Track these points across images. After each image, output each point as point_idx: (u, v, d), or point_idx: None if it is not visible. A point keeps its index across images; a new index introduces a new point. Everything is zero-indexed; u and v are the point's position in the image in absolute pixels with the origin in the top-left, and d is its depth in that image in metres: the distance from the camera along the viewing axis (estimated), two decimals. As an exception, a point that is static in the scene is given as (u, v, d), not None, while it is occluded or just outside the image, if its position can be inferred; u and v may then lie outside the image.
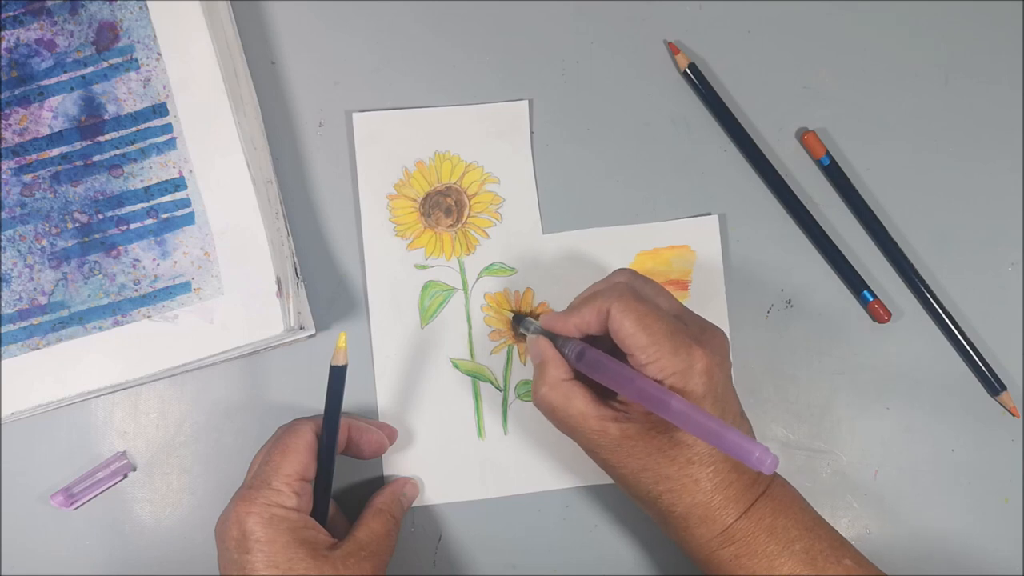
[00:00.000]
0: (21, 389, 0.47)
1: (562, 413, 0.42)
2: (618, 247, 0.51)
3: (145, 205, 0.48)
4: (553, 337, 0.44)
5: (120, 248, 0.48)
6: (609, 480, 0.49)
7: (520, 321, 0.49)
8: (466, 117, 0.51)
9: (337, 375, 0.43)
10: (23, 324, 0.48)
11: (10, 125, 0.48)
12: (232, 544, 0.40)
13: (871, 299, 0.51)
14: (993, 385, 0.51)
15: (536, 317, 0.49)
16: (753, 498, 0.41)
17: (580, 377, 0.43)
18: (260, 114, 0.50)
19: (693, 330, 0.42)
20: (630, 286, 0.43)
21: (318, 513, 0.43)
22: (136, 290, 0.48)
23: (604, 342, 0.43)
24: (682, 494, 0.41)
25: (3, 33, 0.48)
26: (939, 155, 0.53)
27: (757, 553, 0.41)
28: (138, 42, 0.48)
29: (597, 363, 0.42)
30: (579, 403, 0.42)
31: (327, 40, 0.51)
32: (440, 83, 0.52)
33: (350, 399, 0.50)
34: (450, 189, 0.51)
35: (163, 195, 0.48)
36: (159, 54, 0.48)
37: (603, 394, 0.43)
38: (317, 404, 0.50)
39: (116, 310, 0.48)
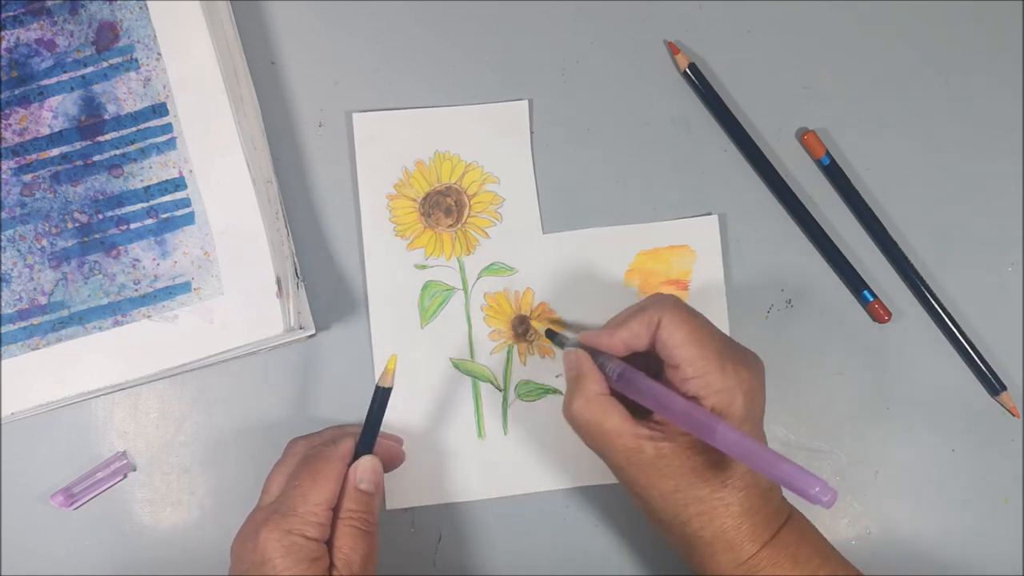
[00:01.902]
0: (21, 389, 0.47)
1: (596, 428, 0.42)
2: (618, 247, 0.51)
3: (145, 205, 0.48)
4: (592, 353, 0.44)
5: (120, 248, 0.48)
6: (609, 480, 0.49)
7: (554, 336, 0.49)
8: (466, 117, 0.51)
9: (381, 396, 0.43)
10: (23, 324, 0.48)
11: (10, 125, 0.48)
12: (251, 566, 0.40)
13: (871, 299, 0.51)
14: (993, 385, 0.51)
15: (563, 326, 0.49)
16: (778, 526, 0.41)
17: (614, 395, 0.43)
18: (260, 114, 0.50)
19: (739, 351, 0.42)
20: (679, 301, 0.43)
21: None
22: (136, 290, 0.48)
23: (638, 364, 0.43)
24: (712, 518, 0.40)
25: (3, 33, 0.48)
26: (939, 155, 0.53)
27: None
28: (138, 42, 0.48)
29: (637, 383, 0.41)
30: (615, 419, 0.41)
31: (327, 40, 0.51)
32: (440, 83, 0.52)
33: (350, 399, 0.50)
34: (450, 189, 0.51)
35: (163, 195, 0.48)
36: (159, 54, 0.48)
37: (636, 414, 0.42)
38: (317, 404, 0.50)
39: (116, 310, 0.48)
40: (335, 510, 0.42)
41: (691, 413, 0.39)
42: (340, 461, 0.43)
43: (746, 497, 0.40)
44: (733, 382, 0.40)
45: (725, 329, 0.51)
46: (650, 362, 0.44)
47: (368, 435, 0.44)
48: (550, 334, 0.49)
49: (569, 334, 0.47)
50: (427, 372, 0.50)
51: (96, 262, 0.48)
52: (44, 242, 0.48)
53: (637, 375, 0.42)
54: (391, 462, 0.47)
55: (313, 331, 0.48)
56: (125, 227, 0.48)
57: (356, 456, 0.44)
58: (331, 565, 0.41)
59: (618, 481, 0.43)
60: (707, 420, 0.38)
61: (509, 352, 0.51)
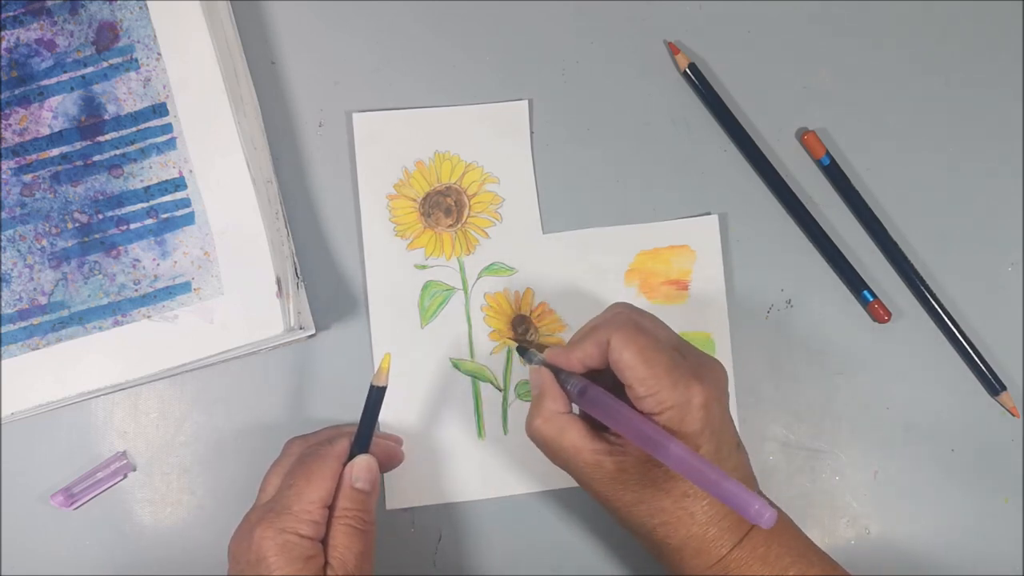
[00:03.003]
0: (21, 389, 0.47)
1: (555, 445, 0.42)
2: (618, 247, 0.51)
3: (145, 205, 0.48)
4: (556, 371, 0.44)
5: (120, 248, 0.48)
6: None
7: (524, 352, 0.49)
8: (466, 117, 0.51)
9: (376, 395, 0.43)
10: (23, 324, 0.48)
11: (10, 125, 0.48)
12: (246, 566, 0.40)
13: (871, 299, 0.51)
14: (993, 385, 0.51)
15: (540, 348, 0.49)
16: (747, 528, 0.41)
17: (580, 412, 0.43)
18: (260, 114, 0.50)
19: (691, 363, 0.42)
20: (630, 318, 0.43)
21: None
22: (136, 290, 0.48)
23: (606, 378, 0.43)
24: (677, 527, 0.41)
25: (3, 33, 0.48)
26: (939, 155, 0.53)
27: None
28: (138, 42, 0.48)
29: (596, 400, 0.41)
30: (573, 436, 0.42)
31: (327, 40, 0.51)
32: (440, 83, 0.52)
33: (350, 399, 0.50)
34: (450, 189, 0.51)
35: (163, 195, 0.48)
36: (159, 54, 0.48)
37: (600, 428, 0.43)
38: (317, 404, 0.50)
39: (116, 310, 0.48)
40: (331, 509, 0.42)
41: (642, 430, 0.39)
42: (335, 460, 0.43)
43: (710, 505, 0.41)
44: (684, 398, 0.40)
45: (725, 329, 0.51)
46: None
47: (364, 434, 0.44)
48: (520, 350, 0.49)
49: (536, 353, 0.47)
50: (427, 372, 0.50)
51: (96, 262, 0.48)
52: (44, 242, 0.48)
53: (597, 392, 0.42)
54: (389, 462, 0.47)
55: (313, 331, 0.48)
56: (125, 227, 0.48)
57: (352, 455, 0.43)
58: (326, 564, 0.41)
59: (588, 494, 0.44)
60: (656, 437, 0.38)
61: (509, 352, 0.51)
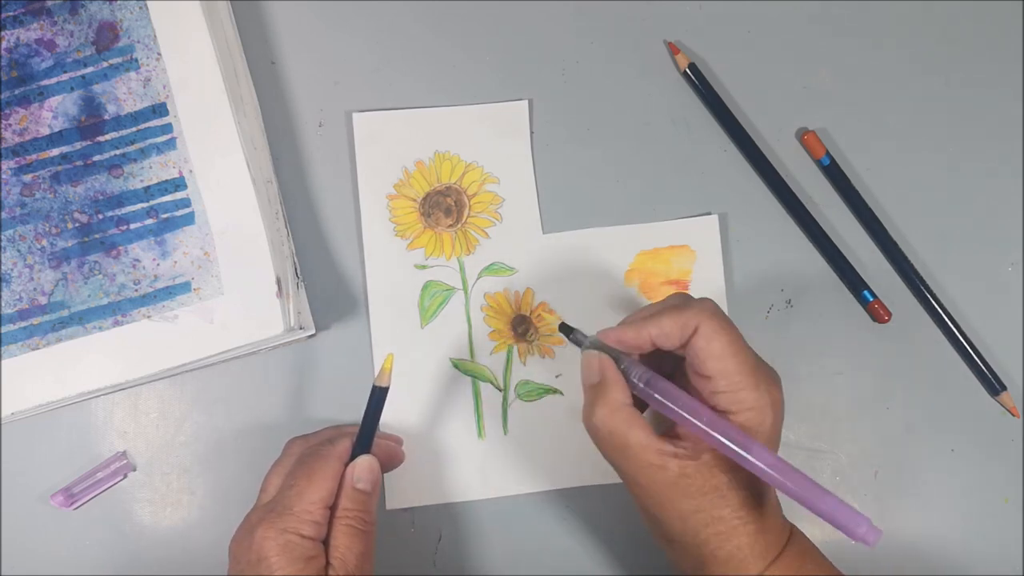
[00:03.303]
0: (21, 389, 0.47)
1: (620, 441, 0.39)
2: (618, 247, 0.51)
3: (145, 205, 0.48)
4: (614, 356, 0.41)
5: (120, 248, 0.48)
6: (609, 480, 0.49)
7: (570, 333, 0.44)
8: (466, 117, 0.51)
9: (378, 395, 0.43)
10: (23, 324, 0.48)
11: (10, 125, 0.48)
12: (247, 566, 0.40)
13: (871, 299, 0.51)
14: (993, 385, 0.51)
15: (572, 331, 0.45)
16: (782, 544, 0.40)
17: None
18: (260, 114, 0.50)
19: (768, 369, 0.40)
20: (718, 309, 0.40)
21: None
22: (136, 290, 0.48)
23: (652, 362, 0.41)
24: (730, 537, 0.39)
25: (3, 33, 0.48)
26: (939, 155, 0.53)
27: None
28: (138, 42, 0.48)
29: (667, 394, 0.39)
30: (641, 433, 0.39)
31: (327, 40, 0.51)
32: (440, 83, 0.52)
33: (350, 399, 0.50)
34: (450, 189, 0.51)
35: (163, 195, 0.48)
36: (159, 54, 0.48)
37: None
38: (317, 404, 0.50)
39: (116, 310, 0.48)
40: (332, 509, 0.42)
41: (724, 430, 0.37)
42: (337, 460, 0.43)
43: (762, 515, 0.39)
44: (766, 400, 0.38)
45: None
46: (663, 363, 0.42)
47: (365, 435, 0.44)
48: (564, 329, 0.45)
49: (585, 334, 0.44)
50: (427, 372, 0.50)
51: (96, 262, 0.48)
52: (44, 242, 0.48)
53: (666, 384, 0.40)
54: (390, 462, 0.47)
55: (313, 331, 0.48)
56: (125, 227, 0.48)
57: (354, 456, 0.43)
58: (327, 564, 0.41)
59: (632, 496, 0.41)
60: (741, 440, 0.37)
61: (509, 352, 0.51)
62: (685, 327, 0.40)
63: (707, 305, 0.40)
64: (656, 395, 0.40)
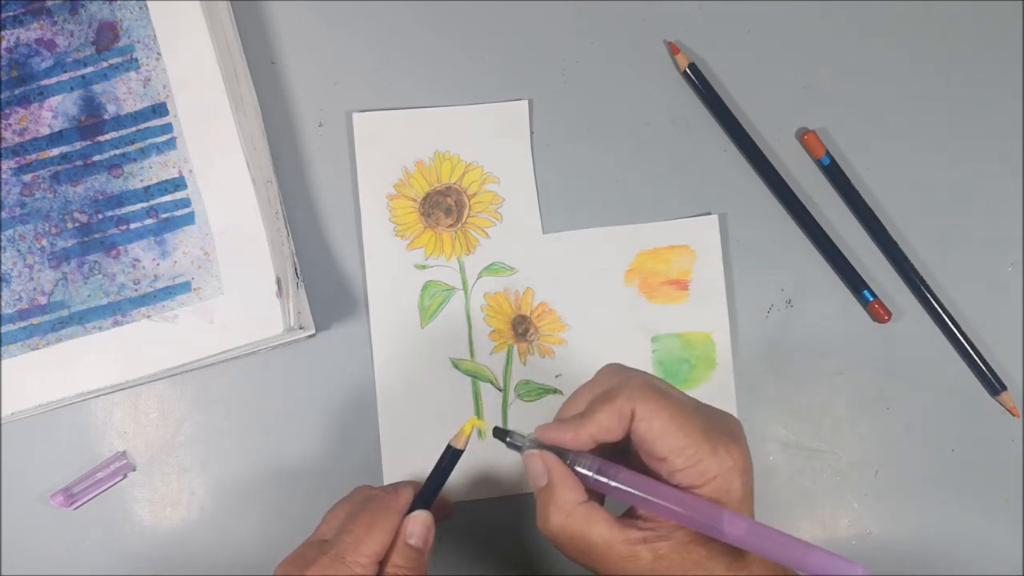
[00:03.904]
0: (21, 389, 0.47)
1: (583, 543, 0.37)
2: (618, 247, 0.51)
3: (145, 205, 0.48)
4: (557, 452, 0.38)
5: (120, 248, 0.48)
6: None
7: (506, 437, 0.40)
8: (466, 117, 0.51)
9: (451, 456, 0.42)
10: (23, 324, 0.48)
11: (10, 125, 0.48)
12: None
13: (871, 299, 0.51)
14: (993, 385, 0.51)
15: (525, 436, 0.41)
16: None
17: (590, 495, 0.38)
18: (260, 114, 0.50)
19: (718, 423, 0.38)
20: (646, 381, 0.38)
21: None
22: (136, 290, 0.48)
23: (606, 453, 0.39)
24: None
25: (3, 33, 0.48)
26: (939, 155, 0.53)
27: None
28: (138, 42, 0.48)
29: (624, 481, 0.37)
30: (601, 528, 0.37)
31: (327, 40, 0.51)
32: (440, 83, 0.52)
33: (350, 399, 0.50)
34: (450, 189, 0.51)
35: (163, 195, 0.48)
36: (159, 54, 0.48)
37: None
38: (316, 405, 0.50)
39: (116, 310, 0.48)
40: (383, 562, 0.40)
41: (690, 507, 0.35)
42: (396, 514, 0.41)
43: None
44: (728, 464, 0.36)
45: (725, 329, 0.51)
46: (615, 444, 0.39)
47: (430, 490, 0.43)
48: (499, 433, 0.41)
49: (521, 435, 0.40)
50: (427, 372, 0.50)
51: (96, 262, 0.48)
52: (44, 242, 0.48)
53: (618, 470, 0.37)
54: (441, 515, 0.46)
55: (313, 331, 0.48)
56: (125, 227, 0.48)
57: (413, 508, 0.42)
58: None
59: None
60: (710, 511, 0.35)
61: (509, 352, 0.51)
62: (622, 416, 0.37)
63: (636, 383, 0.37)
64: (612, 483, 0.37)
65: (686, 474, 0.36)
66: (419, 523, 0.41)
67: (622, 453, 0.39)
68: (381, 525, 0.41)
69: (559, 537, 0.38)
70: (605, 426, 0.37)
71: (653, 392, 0.37)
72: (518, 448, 0.40)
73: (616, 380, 0.38)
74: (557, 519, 0.37)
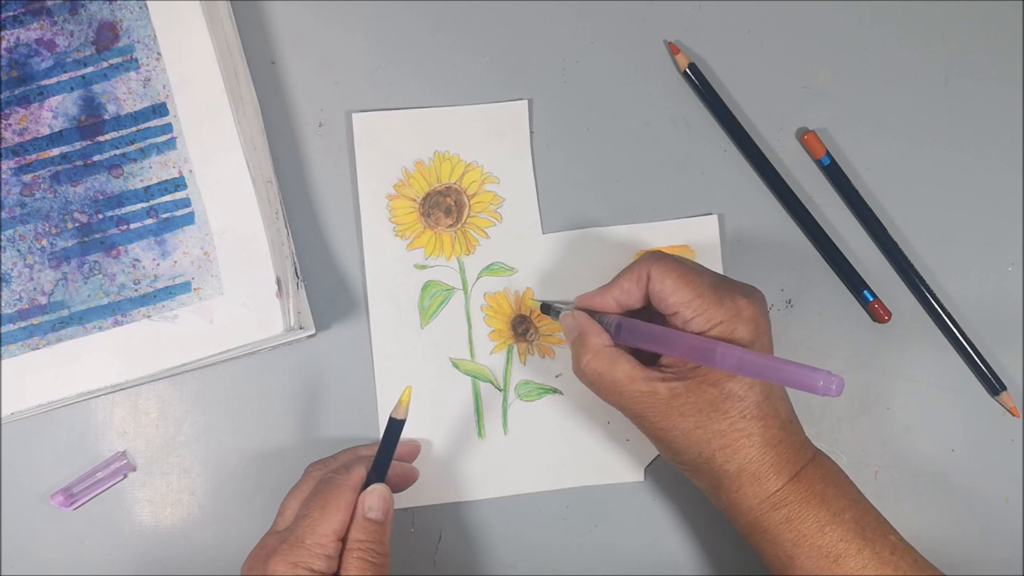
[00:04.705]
0: (21, 389, 0.47)
1: (608, 379, 0.42)
2: (618, 247, 0.51)
3: (145, 205, 0.48)
4: (589, 314, 0.45)
5: (120, 248, 0.48)
6: (609, 480, 0.49)
7: (548, 309, 0.49)
8: (466, 117, 0.51)
9: (395, 427, 0.43)
10: (23, 324, 0.48)
11: (10, 125, 0.48)
12: None
13: (871, 299, 0.51)
14: (993, 385, 0.51)
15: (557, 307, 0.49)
16: (802, 463, 0.42)
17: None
18: (260, 114, 0.50)
19: (734, 284, 0.43)
20: (664, 254, 0.44)
21: None
22: (136, 290, 0.48)
23: (640, 317, 0.44)
24: (736, 450, 0.41)
25: (3, 33, 0.48)
26: (939, 155, 0.53)
27: (807, 518, 0.41)
28: (138, 42, 0.48)
29: (636, 330, 0.42)
30: (625, 366, 0.42)
31: (327, 40, 0.51)
32: (440, 83, 0.52)
33: (350, 399, 0.50)
34: (450, 189, 0.51)
35: (163, 195, 0.48)
36: (159, 54, 0.48)
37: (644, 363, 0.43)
38: (316, 405, 0.50)
39: (116, 310, 0.48)
40: (344, 540, 0.41)
41: (691, 343, 0.40)
42: (351, 491, 0.42)
43: (766, 427, 0.41)
44: (732, 312, 0.41)
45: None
46: (652, 321, 0.44)
47: (381, 463, 0.43)
48: (544, 307, 0.49)
49: (562, 304, 0.48)
50: (427, 372, 0.50)
51: (96, 262, 0.48)
52: (44, 242, 0.48)
53: (634, 323, 0.43)
54: (404, 483, 0.47)
55: (313, 331, 0.48)
56: (125, 227, 0.48)
57: (368, 483, 0.43)
58: None
59: (641, 431, 0.44)
60: (707, 344, 0.39)
61: (509, 352, 0.51)
62: (640, 279, 0.43)
63: (653, 254, 0.44)
64: (629, 333, 0.43)
65: (696, 322, 0.41)
66: (377, 496, 0.42)
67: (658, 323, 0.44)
68: (336, 503, 0.41)
69: (588, 375, 0.43)
70: (626, 288, 0.43)
71: (667, 257, 0.43)
72: (556, 314, 0.47)
73: (640, 256, 0.45)
74: (586, 360, 0.43)
